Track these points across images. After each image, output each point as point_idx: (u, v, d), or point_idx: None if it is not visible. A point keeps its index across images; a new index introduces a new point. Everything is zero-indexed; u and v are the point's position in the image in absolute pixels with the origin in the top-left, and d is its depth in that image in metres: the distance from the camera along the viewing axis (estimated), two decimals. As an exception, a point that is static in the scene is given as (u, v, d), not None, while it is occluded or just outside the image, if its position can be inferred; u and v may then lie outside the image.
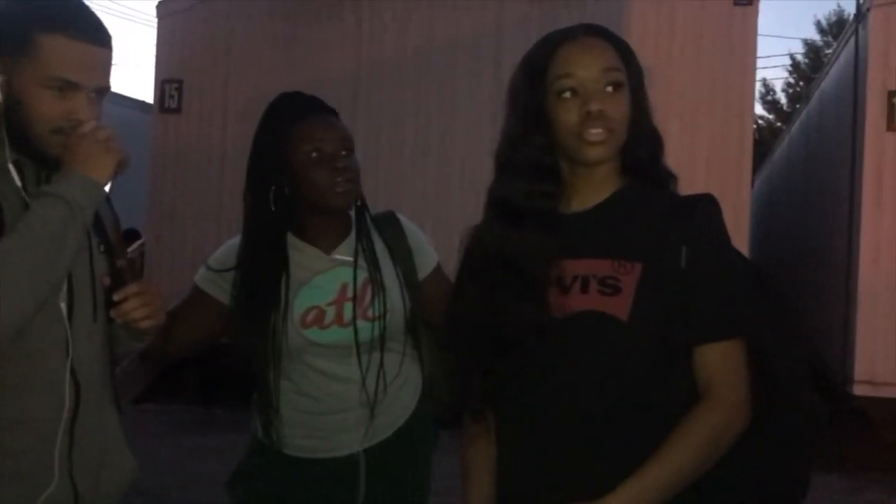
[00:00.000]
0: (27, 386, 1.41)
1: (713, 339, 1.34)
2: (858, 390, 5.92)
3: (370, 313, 1.80)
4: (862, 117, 6.13)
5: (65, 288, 1.45)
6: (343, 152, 1.79)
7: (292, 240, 1.83)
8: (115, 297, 1.47)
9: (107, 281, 1.51)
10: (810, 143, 8.74)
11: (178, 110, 7.66)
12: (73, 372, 1.45)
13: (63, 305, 1.44)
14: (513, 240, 1.42)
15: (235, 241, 1.89)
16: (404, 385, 1.89)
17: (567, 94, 1.37)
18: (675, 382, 1.35)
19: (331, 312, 1.79)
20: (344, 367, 1.80)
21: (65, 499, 1.44)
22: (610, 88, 1.37)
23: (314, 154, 1.77)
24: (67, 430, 1.44)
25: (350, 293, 1.80)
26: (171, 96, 7.66)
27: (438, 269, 1.95)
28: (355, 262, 1.82)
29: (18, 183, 1.43)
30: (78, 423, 1.45)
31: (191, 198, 7.53)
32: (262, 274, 1.79)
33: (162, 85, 7.69)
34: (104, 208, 1.60)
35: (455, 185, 7.00)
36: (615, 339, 1.33)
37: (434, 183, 7.03)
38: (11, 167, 1.43)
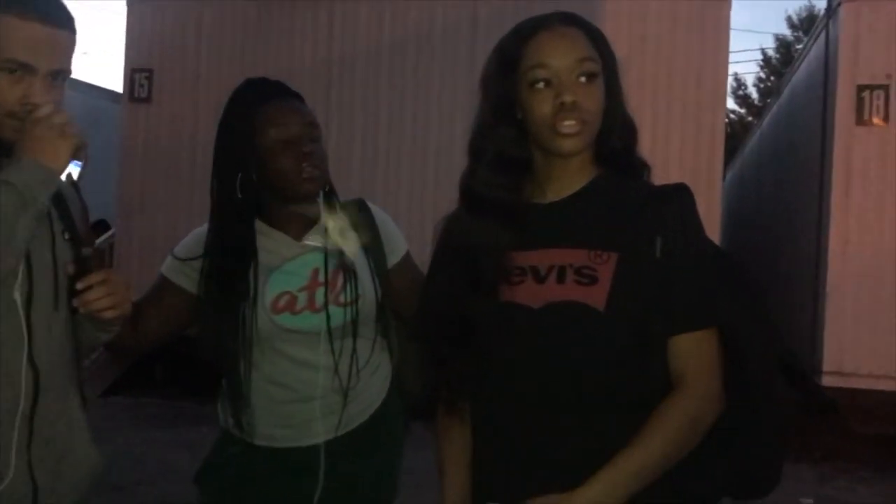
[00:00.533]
0: None
1: (687, 329, 1.34)
2: (827, 381, 6.00)
3: (342, 298, 1.78)
4: (832, 112, 6.20)
5: (21, 276, 1.41)
6: (310, 137, 1.77)
7: (261, 226, 1.81)
8: (78, 286, 1.43)
9: (70, 269, 1.46)
10: (780, 138, 8.83)
11: (147, 100, 7.57)
12: (31, 361, 1.41)
13: (17, 295, 1.40)
14: (471, 230, 1.43)
15: (202, 229, 1.86)
16: (375, 372, 1.87)
17: (540, 85, 1.36)
18: (651, 372, 1.35)
19: (302, 298, 1.77)
20: (315, 354, 1.78)
21: (23, 493, 1.40)
22: (584, 79, 1.36)
23: (279, 139, 1.74)
24: (27, 422, 1.40)
25: (321, 278, 1.78)
26: (141, 85, 7.57)
27: (407, 258, 1.93)
28: (325, 247, 1.80)
29: None
30: (38, 415, 1.41)
31: (161, 188, 7.45)
32: (230, 261, 1.76)
33: (131, 74, 7.59)
34: (71, 196, 1.56)
35: (430, 176, 6.98)
36: (592, 328, 1.32)
37: (408, 174, 7.01)
38: None
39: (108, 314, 1.45)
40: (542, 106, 1.36)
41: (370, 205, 1.93)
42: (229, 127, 1.81)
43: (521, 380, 1.37)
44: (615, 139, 1.42)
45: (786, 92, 8.94)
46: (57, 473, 1.46)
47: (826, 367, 6.02)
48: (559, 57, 1.36)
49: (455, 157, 6.98)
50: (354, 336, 1.80)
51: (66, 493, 1.48)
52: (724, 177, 7.86)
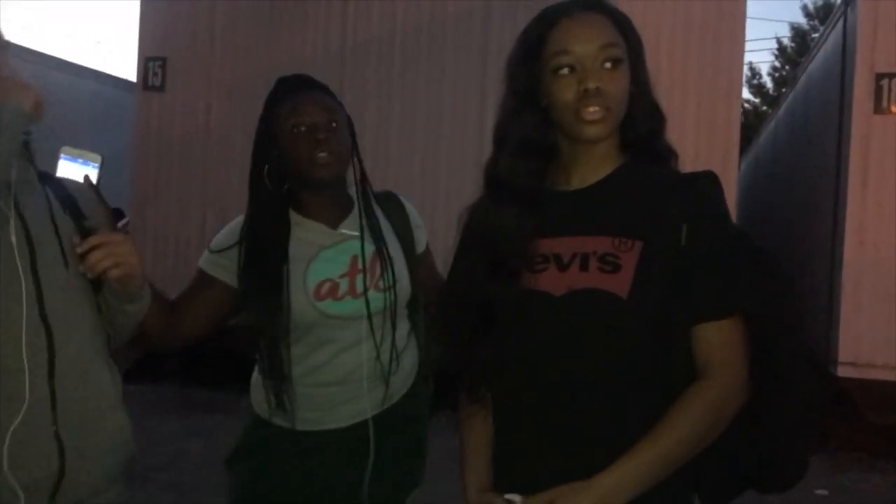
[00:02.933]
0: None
1: (712, 318, 1.33)
2: (842, 372, 5.96)
3: (381, 284, 1.84)
4: (849, 100, 6.14)
5: (14, 239, 1.41)
6: (327, 124, 1.81)
7: (296, 217, 1.86)
8: (78, 251, 1.45)
9: (77, 241, 1.47)
10: (796, 127, 8.75)
11: (161, 88, 7.59)
12: (45, 320, 1.41)
13: (14, 239, 1.41)
14: (494, 217, 1.43)
15: (236, 222, 1.91)
16: (406, 352, 1.92)
17: (564, 71, 1.35)
18: (674, 361, 1.34)
19: (344, 284, 1.82)
20: (355, 339, 1.83)
21: (49, 456, 1.40)
22: (608, 65, 1.35)
23: (296, 128, 1.80)
24: (47, 382, 1.40)
25: (360, 265, 1.83)
26: (155, 74, 7.59)
27: (428, 251, 2.02)
28: (362, 235, 1.85)
29: None
30: (58, 375, 1.41)
31: (174, 176, 7.47)
32: (266, 248, 1.81)
33: (145, 62, 7.60)
34: (85, 196, 1.57)
35: (442, 164, 6.96)
36: (615, 316, 1.32)
37: (420, 163, 6.99)
38: None
39: (114, 273, 1.45)
40: (565, 92, 1.35)
41: (399, 195, 2.02)
42: (259, 122, 1.89)
43: (541, 367, 1.37)
44: (641, 126, 1.41)
45: (802, 81, 8.86)
46: (84, 435, 1.45)
47: (841, 357, 5.98)
48: (582, 43, 1.35)
49: (467, 148, 7.01)
50: (394, 320, 1.85)
51: (95, 456, 1.48)
52: (738, 166, 7.81)
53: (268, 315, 1.78)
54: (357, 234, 1.85)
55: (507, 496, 1.34)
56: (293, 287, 1.80)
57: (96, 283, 1.50)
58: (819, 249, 6.76)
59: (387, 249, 1.87)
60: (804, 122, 8.27)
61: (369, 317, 1.82)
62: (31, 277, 1.41)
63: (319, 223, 1.87)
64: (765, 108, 24.11)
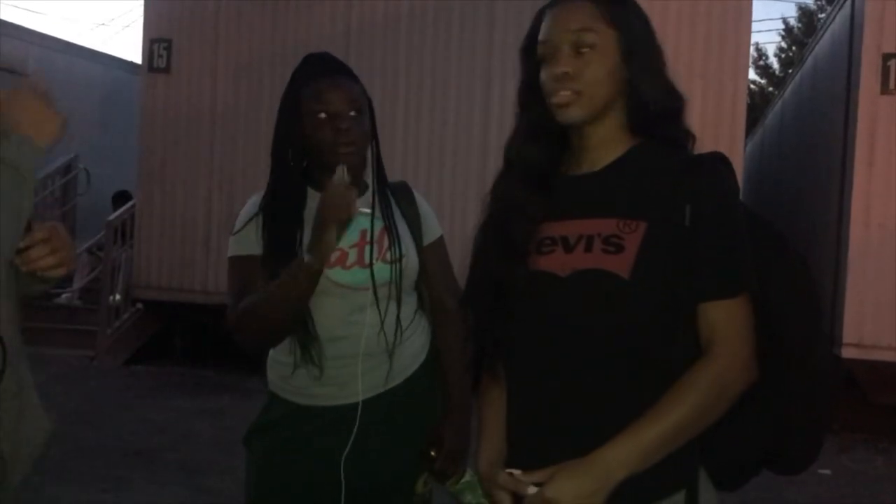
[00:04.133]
0: None
1: (716, 297, 1.33)
2: (846, 353, 5.98)
3: (388, 256, 1.88)
4: (856, 80, 6.12)
5: None
6: (350, 112, 1.85)
7: (313, 194, 1.91)
8: (20, 245, 1.40)
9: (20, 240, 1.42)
10: (803, 107, 8.72)
11: (166, 70, 7.59)
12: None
13: None
14: (505, 197, 1.47)
15: (250, 204, 1.96)
16: (414, 335, 1.94)
17: (546, 61, 1.41)
18: (680, 341, 1.34)
19: (353, 254, 1.86)
20: (362, 310, 1.86)
21: None
22: (584, 49, 1.38)
23: (321, 115, 1.85)
24: None
25: (369, 238, 1.88)
26: (160, 56, 7.59)
27: (440, 242, 2.03)
28: (373, 211, 1.90)
29: None
30: (2, 387, 1.39)
31: (180, 157, 7.49)
32: (283, 216, 1.87)
33: (151, 44, 7.61)
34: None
35: (448, 147, 6.97)
36: (616, 296, 1.33)
37: (426, 145, 7.00)
38: None
39: (53, 273, 1.43)
40: (544, 80, 1.40)
41: (411, 186, 2.05)
42: (283, 101, 1.93)
43: (546, 346, 1.39)
44: (645, 109, 1.40)
45: (808, 61, 8.82)
46: (17, 441, 1.44)
47: (846, 338, 5.99)
48: (555, 30, 1.40)
49: (474, 127, 6.98)
50: (399, 294, 1.89)
51: (24, 460, 1.47)
52: (744, 148, 7.78)
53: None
54: (369, 211, 1.90)
55: (510, 471, 1.36)
56: (305, 252, 1.84)
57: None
58: (825, 230, 6.76)
59: (395, 225, 1.92)
60: (811, 102, 8.24)
61: (374, 286, 1.85)
62: None
63: None
64: (771, 89, 23.99)
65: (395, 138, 6.83)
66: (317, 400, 1.88)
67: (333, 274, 1.84)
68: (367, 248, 1.87)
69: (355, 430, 1.85)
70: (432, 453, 1.89)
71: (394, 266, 1.87)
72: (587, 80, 1.38)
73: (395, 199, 1.98)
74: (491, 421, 1.48)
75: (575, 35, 1.38)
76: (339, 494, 1.86)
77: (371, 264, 1.86)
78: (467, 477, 1.90)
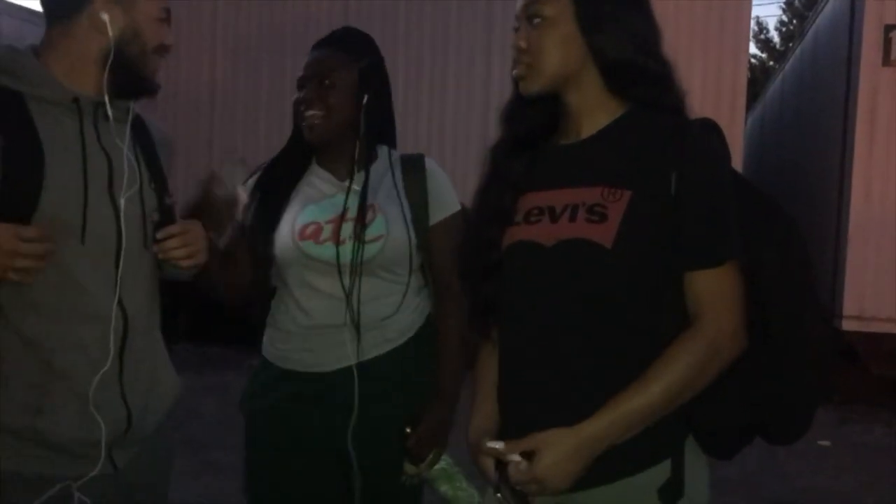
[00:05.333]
0: (80, 318, 1.48)
1: (702, 266, 1.32)
2: (846, 325, 6.00)
3: (364, 236, 1.86)
4: (857, 52, 6.09)
5: (116, 238, 1.51)
6: (322, 81, 1.87)
7: (314, 167, 1.96)
8: (158, 236, 1.53)
9: (155, 217, 1.57)
10: (804, 81, 8.69)
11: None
12: (121, 305, 1.52)
13: (122, 201, 1.51)
14: (494, 166, 1.50)
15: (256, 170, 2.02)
16: (401, 311, 1.92)
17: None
18: (666, 310, 1.34)
19: (328, 230, 1.87)
20: (333, 285, 1.87)
21: (119, 416, 1.54)
22: (536, 21, 1.39)
23: (298, 85, 1.90)
24: (117, 356, 1.51)
25: (349, 216, 1.88)
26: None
27: (452, 220, 1.97)
28: (349, 186, 1.89)
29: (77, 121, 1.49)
30: (127, 349, 1.53)
31: (181, 134, 7.46)
32: (275, 183, 1.93)
33: (148, 22, 7.56)
34: (164, 143, 1.70)
35: (448, 120, 6.95)
36: (598, 265, 1.32)
37: (426, 118, 6.98)
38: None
39: (184, 263, 1.56)
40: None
41: (429, 162, 2.01)
42: None
43: (532, 317, 1.39)
44: (623, 74, 1.38)
45: (809, 34, 8.77)
46: (148, 400, 1.60)
47: (846, 311, 6.01)
48: (519, 4, 1.42)
49: (473, 100, 6.92)
50: (360, 272, 1.87)
51: (154, 415, 1.63)
52: (745, 122, 7.76)
53: (264, 245, 1.89)
54: (358, 188, 1.89)
55: (490, 444, 1.36)
56: (283, 222, 1.89)
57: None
58: (826, 203, 6.76)
59: (377, 205, 1.89)
60: (812, 75, 8.20)
61: (339, 264, 1.85)
62: (114, 264, 1.51)
63: (330, 174, 1.94)
64: (772, 63, 23.85)
65: (395, 111, 6.82)
66: (300, 366, 1.91)
67: (304, 246, 1.87)
68: (346, 225, 1.87)
69: (357, 402, 1.86)
70: (407, 430, 1.88)
71: (369, 245, 1.85)
72: (535, 51, 1.39)
73: (403, 174, 1.95)
74: (484, 391, 1.49)
75: (529, 7, 1.40)
76: (329, 463, 1.89)
77: (338, 242, 1.86)
78: (443, 464, 1.89)
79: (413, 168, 1.97)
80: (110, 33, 1.49)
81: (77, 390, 1.48)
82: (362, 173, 1.92)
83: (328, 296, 1.87)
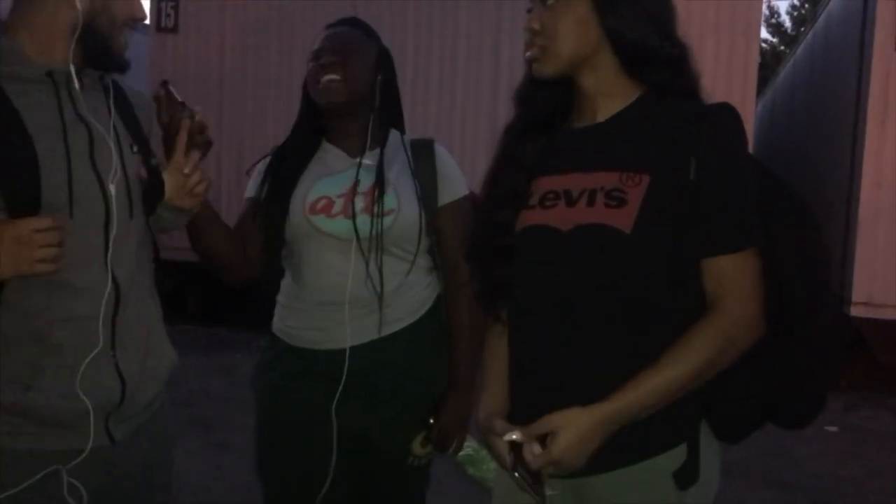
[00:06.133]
0: (72, 291, 1.48)
1: (721, 252, 1.31)
2: (855, 311, 5.98)
3: (375, 209, 1.87)
4: (870, 37, 6.04)
5: (104, 208, 1.50)
6: (335, 51, 1.89)
7: (326, 144, 1.97)
8: (185, 171, 1.55)
9: (143, 174, 1.57)
10: (815, 66, 8.62)
11: (174, 29, 7.54)
12: (110, 273, 1.50)
13: (104, 214, 1.50)
14: (506, 147, 1.49)
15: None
16: (410, 290, 1.93)
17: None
18: (685, 296, 1.33)
19: (339, 204, 1.88)
20: (344, 261, 1.87)
21: (112, 385, 1.53)
22: (551, 1, 1.37)
23: (312, 57, 1.92)
24: (108, 326, 1.51)
25: (361, 189, 1.89)
26: (168, 15, 7.53)
27: (460, 204, 1.98)
28: (360, 160, 1.92)
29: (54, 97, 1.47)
30: (119, 320, 1.52)
31: (190, 118, 7.47)
32: (288, 160, 1.95)
33: (158, 4, 7.54)
34: (142, 110, 1.67)
35: (458, 106, 6.93)
36: (616, 250, 1.31)
37: (436, 105, 6.96)
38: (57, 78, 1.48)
39: (200, 188, 1.59)
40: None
41: (437, 146, 2.03)
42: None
43: (548, 302, 1.38)
44: (639, 56, 1.37)
45: (821, 18, 8.69)
46: (142, 370, 1.59)
47: (855, 297, 5.99)
48: None
49: (483, 88, 6.87)
50: (380, 247, 1.88)
51: (148, 385, 1.62)
52: (755, 108, 7.72)
53: (274, 221, 1.89)
54: (369, 163, 1.91)
55: (507, 436, 1.35)
56: (295, 197, 1.90)
57: (150, 207, 1.59)
58: (836, 189, 6.73)
59: (389, 180, 1.90)
60: (823, 61, 8.14)
61: (358, 238, 1.86)
62: (103, 234, 1.50)
63: (341, 151, 1.95)
64: (783, 48, 23.67)
65: (403, 99, 6.80)
66: (305, 342, 1.92)
67: (317, 221, 1.87)
68: (358, 199, 1.88)
69: (343, 379, 1.87)
70: (431, 421, 1.91)
71: (381, 219, 1.86)
72: (549, 34, 1.37)
73: (413, 155, 1.97)
74: (494, 372, 1.48)
75: None
76: (331, 440, 1.89)
77: (355, 216, 1.86)
78: (468, 450, 1.91)
79: (423, 151, 1.99)
80: (79, 6, 1.46)
81: (69, 363, 1.47)
82: (376, 151, 1.93)
83: (338, 272, 1.87)
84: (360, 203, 1.86)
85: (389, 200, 1.87)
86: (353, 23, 1.98)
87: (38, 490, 1.46)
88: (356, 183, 1.88)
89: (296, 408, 1.91)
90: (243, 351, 6.16)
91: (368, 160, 1.91)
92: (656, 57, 1.37)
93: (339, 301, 1.87)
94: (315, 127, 1.96)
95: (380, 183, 1.87)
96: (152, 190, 1.56)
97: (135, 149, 1.58)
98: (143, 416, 1.62)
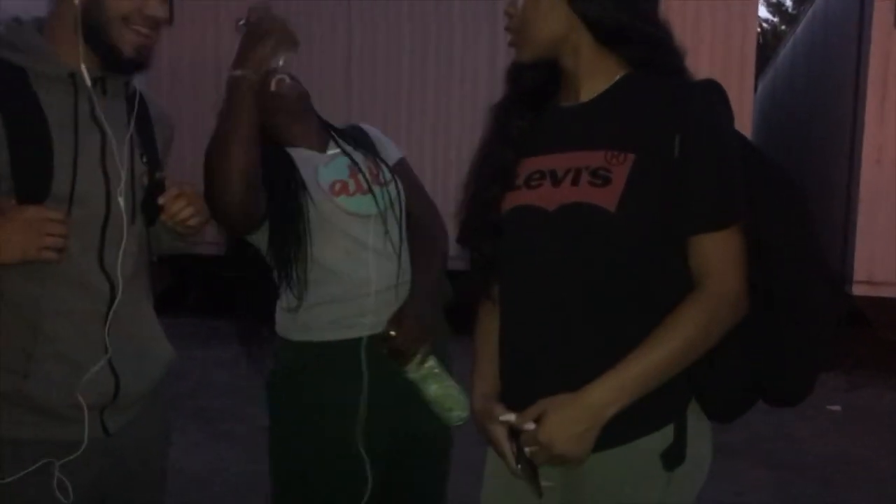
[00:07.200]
0: (65, 284, 1.50)
1: (706, 229, 1.31)
2: (857, 290, 5.97)
3: (381, 178, 1.94)
4: (869, 15, 6.00)
5: (105, 209, 1.53)
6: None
7: (290, 149, 1.95)
8: (160, 201, 1.56)
9: (144, 180, 1.60)
10: (815, 45, 8.58)
11: (169, 22, 7.50)
12: (104, 272, 1.54)
13: (102, 215, 1.53)
14: (495, 124, 1.50)
15: None
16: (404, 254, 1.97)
17: None
18: (670, 274, 1.33)
19: (352, 183, 1.91)
20: (367, 236, 1.88)
21: (106, 381, 1.56)
22: None
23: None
24: (102, 321, 1.54)
25: (359, 168, 1.93)
26: (163, 6, 7.50)
27: (403, 163, 2.07)
28: (342, 147, 1.96)
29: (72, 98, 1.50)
30: (112, 317, 1.55)
31: (186, 110, 7.43)
32: (274, 161, 1.88)
33: (153, -5, 7.51)
34: (161, 118, 1.72)
35: (455, 93, 6.91)
36: (601, 229, 1.31)
37: (433, 93, 6.94)
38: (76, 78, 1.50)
39: (192, 221, 1.59)
40: None
41: (361, 124, 2.13)
42: None
43: (535, 282, 1.38)
44: (617, 36, 1.37)
45: (821, -4, 8.65)
46: (137, 369, 1.62)
47: (857, 276, 5.98)
48: None
49: (479, 75, 6.82)
50: (401, 210, 1.93)
51: (144, 384, 1.64)
52: (756, 88, 7.69)
53: (291, 216, 1.85)
54: (339, 150, 1.96)
55: (503, 417, 1.36)
56: (310, 186, 1.88)
57: (150, 219, 1.61)
58: (836, 168, 6.71)
59: (371, 153, 1.99)
60: (823, 39, 8.10)
61: (379, 211, 1.89)
62: (100, 234, 1.53)
63: (308, 149, 1.95)
64: (783, 27, 23.57)
65: (400, 87, 6.78)
66: (324, 334, 1.88)
67: (342, 201, 1.87)
68: (360, 176, 1.90)
69: (364, 368, 1.86)
70: (392, 333, 1.84)
71: (389, 187, 1.92)
72: (521, 19, 1.39)
73: (353, 135, 2.04)
74: (485, 353, 1.49)
75: None
76: (358, 445, 1.86)
77: (370, 188, 1.89)
78: (431, 363, 1.89)
79: (354, 130, 2.08)
80: (76, 2, 1.48)
81: (64, 354, 1.51)
82: (333, 144, 1.98)
83: (358, 255, 1.86)
84: (365, 179, 1.91)
85: (385, 172, 1.96)
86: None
87: (30, 482, 1.49)
88: (351, 165, 1.93)
89: (320, 411, 1.89)
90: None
91: (333, 150, 1.96)
92: (631, 35, 1.37)
93: (357, 286, 1.86)
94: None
95: (374, 157, 1.96)
96: (152, 202, 1.59)
97: (144, 159, 1.61)
98: (137, 408, 1.65)
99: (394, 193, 1.93)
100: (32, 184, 1.44)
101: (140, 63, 1.55)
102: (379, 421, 1.88)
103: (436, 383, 1.90)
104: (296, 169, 1.89)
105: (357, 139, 2.03)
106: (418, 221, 1.99)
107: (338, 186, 1.89)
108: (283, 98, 1.88)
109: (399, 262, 1.90)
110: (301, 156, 1.93)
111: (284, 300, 1.94)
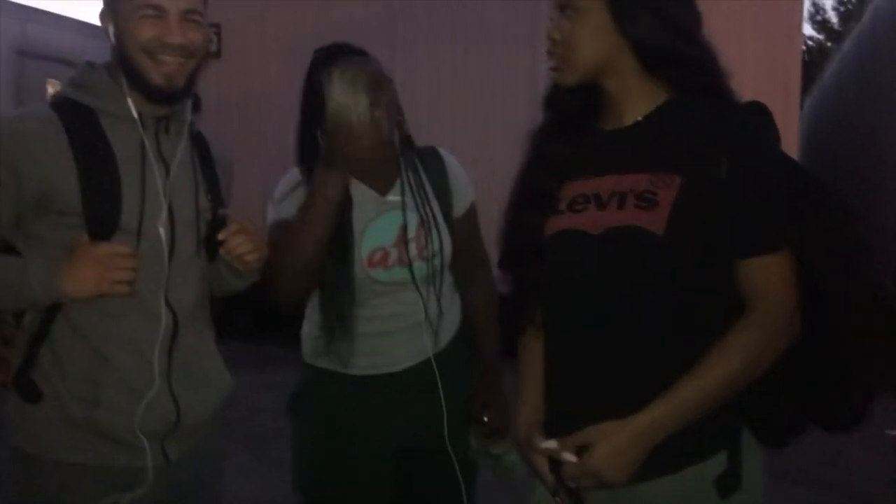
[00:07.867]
0: (132, 314, 1.56)
1: (754, 253, 1.29)
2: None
3: (426, 252, 1.89)
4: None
5: (162, 230, 1.57)
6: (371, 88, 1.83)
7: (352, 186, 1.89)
8: (220, 237, 1.61)
9: (208, 217, 1.66)
10: (863, 62, 8.46)
11: (217, 55, 7.67)
12: (168, 304, 1.59)
13: (162, 232, 1.57)
14: (534, 149, 1.50)
15: (292, 172, 1.98)
16: (451, 306, 1.99)
17: None
18: (717, 297, 1.32)
19: (394, 254, 1.88)
20: (404, 303, 1.90)
21: (168, 409, 1.61)
22: (569, 11, 1.38)
23: None
24: (165, 351, 1.59)
25: (410, 235, 1.89)
26: (210, 41, 7.65)
27: (470, 213, 2.01)
28: (404, 203, 1.89)
29: (142, 132, 1.56)
30: (176, 346, 1.60)
31: (234, 141, 7.53)
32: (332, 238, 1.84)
33: (201, 29, 7.68)
34: (224, 169, 1.77)
35: (496, 117, 6.94)
36: (648, 252, 1.30)
37: (472, 116, 6.97)
38: (135, 113, 1.56)
39: (250, 257, 1.63)
40: None
41: (442, 152, 2.01)
42: (304, 89, 1.92)
43: (581, 307, 1.37)
44: (663, 61, 1.36)
45: (868, 13, 8.54)
46: (198, 398, 1.66)
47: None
48: None
49: (519, 96, 6.83)
50: (440, 284, 1.92)
51: (204, 410, 1.69)
52: (802, 105, 7.59)
53: (337, 280, 1.85)
54: (399, 199, 1.90)
55: (545, 444, 1.35)
56: (353, 251, 1.86)
57: (211, 255, 1.66)
58: (887, 188, 6.58)
59: (433, 216, 1.91)
60: (872, 54, 7.98)
61: (416, 285, 1.88)
62: (167, 267, 1.58)
63: (369, 189, 1.90)
64: (829, 44, 23.25)
65: (440, 113, 6.83)
66: (364, 370, 1.92)
67: (374, 273, 1.86)
68: (410, 245, 1.87)
69: (439, 379, 1.90)
70: (485, 418, 1.93)
71: (431, 261, 1.89)
72: (566, 44, 1.38)
73: (425, 169, 1.95)
74: (530, 378, 1.47)
75: None
76: (389, 470, 1.92)
77: (411, 262, 1.87)
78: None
79: (432, 163, 1.97)
80: (112, 41, 1.55)
81: (128, 382, 1.55)
82: (399, 184, 1.91)
83: (398, 302, 1.89)
84: (413, 250, 1.87)
85: (434, 240, 1.90)
86: (363, 52, 1.93)
87: None
88: (404, 228, 1.88)
89: (352, 437, 1.93)
90: (293, 367, 6.21)
91: (396, 195, 1.90)
92: (677, 59, 1.37)
93: (397, 330, 1.90)
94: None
95: (426, 225, 1.89)
96: (214, 237, 1.63)
97: (209, 196, 1.67)
98: (197, 436, 1.69)
99: (436, 266, 1.89)
100: (102, 217, 1.51)
101: (173, 92, 1.57)
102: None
103: (513, 453, 1.96)
104: (351, 232, 1.85)
105: (429, 172, 1.95)
106: (472, 281, 2.00)
107: (377, 257, 1.87)
108: (378, 137, 1.79)
109: (429, 323, 1.90)
110: (359, 199, 1.88)
111: (307, 326, 1.99)
